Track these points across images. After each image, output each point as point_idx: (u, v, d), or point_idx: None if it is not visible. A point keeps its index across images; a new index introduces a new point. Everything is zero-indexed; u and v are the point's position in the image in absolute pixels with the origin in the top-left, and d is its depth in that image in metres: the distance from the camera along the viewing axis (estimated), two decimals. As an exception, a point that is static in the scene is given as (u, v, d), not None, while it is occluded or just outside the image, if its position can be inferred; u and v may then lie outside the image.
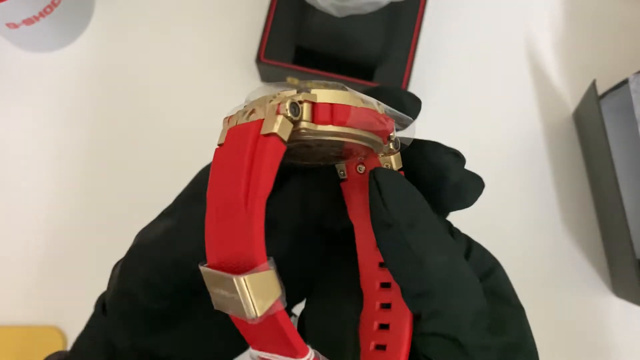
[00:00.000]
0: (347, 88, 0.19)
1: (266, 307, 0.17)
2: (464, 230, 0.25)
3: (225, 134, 0.19)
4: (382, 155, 0.22)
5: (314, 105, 0.18)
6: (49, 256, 0.48)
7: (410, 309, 0.22)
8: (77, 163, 0.50)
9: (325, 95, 0.18)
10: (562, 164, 0.50)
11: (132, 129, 0.50)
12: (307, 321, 0.23)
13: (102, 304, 0.25)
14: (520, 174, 0.49)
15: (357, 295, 0.23)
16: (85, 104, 0.51)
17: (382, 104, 0.20)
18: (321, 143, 0.19)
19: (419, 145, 0.23)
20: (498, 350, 0.22)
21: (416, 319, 0.22)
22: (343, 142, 0.19)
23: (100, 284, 0.27)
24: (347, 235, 0.24)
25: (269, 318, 0.17)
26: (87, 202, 0.49)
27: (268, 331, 0.18)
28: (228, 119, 0.19)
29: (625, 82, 0.43)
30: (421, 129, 0.54)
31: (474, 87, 0.51)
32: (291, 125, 0.18)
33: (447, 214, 0.25)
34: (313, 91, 0.18)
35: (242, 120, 0.18)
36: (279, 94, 0.18)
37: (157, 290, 0.23)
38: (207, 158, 0.23)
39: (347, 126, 0.18)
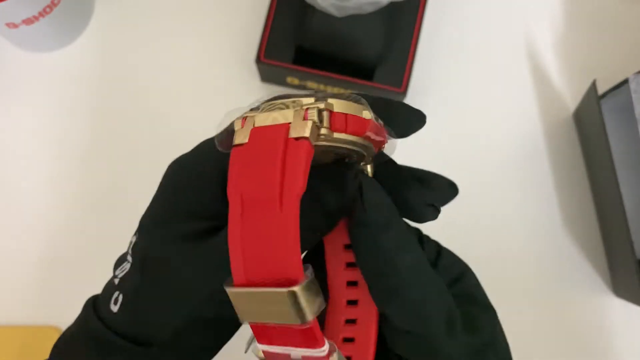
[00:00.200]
0: (361, 99, 0.20)
1: (315, 311, 0.18)
2: (463, 228, 0.26)
3: (248, 134, 0.19)
4: (363, 164, 0.23)
5: (331, 113, 0.19)
6: (48, 256, 0.48)
7: (377, 304, 0.23)
8: (76, 163, 0.50)
9: (341, 105, 0.19)
10: (562, 164, 0.50)
11: (132, 129, 0.50)
12: None
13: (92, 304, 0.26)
14: (520, 174, 0.49)
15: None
16: (85, 104, 0.51)
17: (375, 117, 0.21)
18: (328, 149, 0.20)
19: (400, 180, 0.25)
20: (469, 348, 0.23)
21: (384, 316, 0.24)
22: (349, 149, 0.20)
23: (100, 284, 0.27)
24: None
25: None
26: (87, 202, 0.49)
27: (292, 327, 0.19)
28: (243, 120, 0.20)
29: (625, 82, 0.43)
30: (421, 130, 0.54)
31: (474, 87, 0.51)
32: (317, 131, 0.19)
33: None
34: (330, 100, 0.19)
35: (263, 123, 0.19)
36: (298, 99, 0.19)
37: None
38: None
39: (358, 135, 0.20)
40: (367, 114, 0.20)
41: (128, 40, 0.52)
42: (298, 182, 0.18)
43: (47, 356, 0.26)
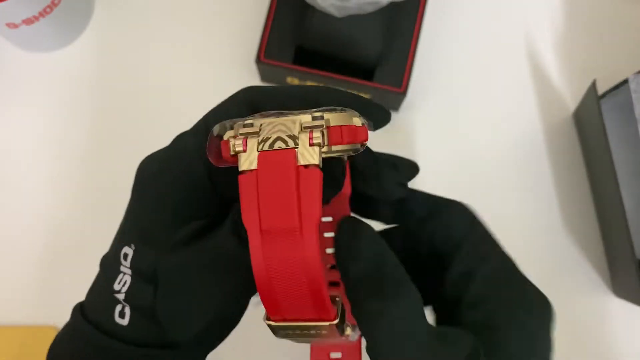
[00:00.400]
0: (345, 109, 0.21)
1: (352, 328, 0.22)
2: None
3: (255, 160, 0.20)
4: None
5: (328, 129, 0.20)
6: (49, 256, 0.48)
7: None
8: (77, 163, 0.50)
9: (335, 119, 0.20)
10: (562, 164, 0.50)
11: (132, 129, 0.50)
12: None
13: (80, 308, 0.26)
14: (520, 174, 0.49)
15: None
16: (85, 104, 0.51)
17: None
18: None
19: (377, 166, 0.25)
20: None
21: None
22: (341, 155, 0.21)
23: (100, 284, 0.27)
24: None
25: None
26: (87, 202, 0.49)
27: (307, 302, 0.20)
28: (244, 140, 0.20)
29: (625, 82, 0.43)
30: (421, 129, 0.55)
31: (474, 87, 0.51)
32: (321, 153, 0.20)
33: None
34: (326, 116, 0.20)
35: (267, 147, 0.20)
36: (295, 118, 0.20)
37: None
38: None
39: (352, 144, 0.20)
40: (357, 121, 0.20)
41: (128, 40, 0.52)
42: (316, 211, 0.19)
43: (47, 357, 0.26)
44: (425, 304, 0.24)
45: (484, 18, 0.52)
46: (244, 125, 0.20)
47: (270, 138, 0.20)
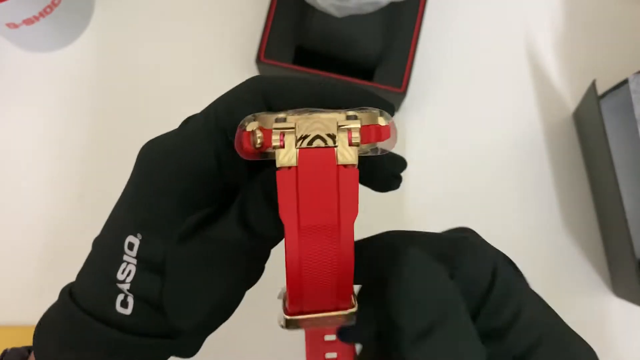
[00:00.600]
0: (374, 111, 0.21)
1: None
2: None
3: (294, 157, 0.20)
4: None
5: (361, 130, 0.21)
6: (48, 256, 0.48)
7: None
8: (77, 163, 0.50)
9: (366, 118, 0.21)
10: (562, 164, 0.50)
11: (132, 129, 0.50)
12: None
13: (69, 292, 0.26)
14: (520, 174, 0.49)
15: None
16: (85, 104, 0.51)
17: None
18: None
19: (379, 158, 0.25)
20: None
21: None
22: (367, 153, 0.22)
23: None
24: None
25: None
26: (87, 201, 0.49)
27: (332, 294, 0.21)
28: (281, 135, 0.20)
29: (625, 82, 0.43)
30: (421, 129, 0.55)
31: (474, 87, 0.51)
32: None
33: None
34: (359, 116, 0.21)
35: (306, 145, 0.20)
36: (331, 117, 0.21)
37: None
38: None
39: (379, 141, 0.21)
40: (382, 120, 0.21)
41: (128, 40, 0.52)
42: (354, 210, 0.20)
43: (34, 343, 0.26)
44: None
45: (484, 18, 0.52)
46: (277, 120, 0.21)
47: (309, 136, 0.20)
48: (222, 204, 0.24)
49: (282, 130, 0.20)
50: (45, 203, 0.49)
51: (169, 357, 0.26)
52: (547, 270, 0.48)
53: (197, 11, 0.52)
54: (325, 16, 0.44)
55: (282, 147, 0.20)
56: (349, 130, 0.20)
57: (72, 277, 0.45)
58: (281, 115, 0.21)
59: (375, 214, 0.41)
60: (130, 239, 0.24)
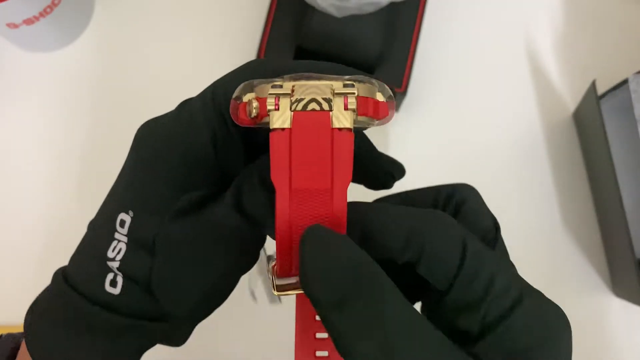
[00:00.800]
0: (373, 82, 0.21)
1: None
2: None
3: (288, 119, 0.20)
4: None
5: (358, 99, 0.20)
6: (48, 256, 0.48)
7: None
8: (76, 163, 0.50)
9: (364, 90, 0.20)
10: (562, 164, 0.50)
11: (131, 129, 0.50)
12: None
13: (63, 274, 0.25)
14: (520, 174, 0.49)
15: None
16: (85, 103, 0.51)
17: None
18: None
19: (375, 156, 0.25)
20: None
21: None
22: (362, 126, 0.21)
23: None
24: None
25: None
26: (86, 202, 0.49)
27: None
28: (276, 99, 0.20)
29: (625, 82, 0.43)
30: (421, 129, 0.54)
31: (474, 88, 0.51)
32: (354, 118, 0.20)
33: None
34: (357, 85, 0.20)
35: (301, 107, 0.20)
36: (327, 82, 0.20)
37: None
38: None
39: (376, 118, 0.21)
40: (380, 96, 0.21)
41: (128, 40, 0.52)
42: (348, 174, 0.20)
43: (25, 322, 0.25)
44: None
45: (484, 18, 0.52)
46: (273, 86, 0.21)
47: (304, 99, 0.20)
48: (218, 190, 0.24)
49: (277, 95, 0.20)
50: (45, 203, 0.49)
51: (156, 342, 0.25)
52: (547, 270, 0.48)
53: (197, 11, 0.52)
54: (325, 16, 0.44)
55: (277, 110, 0.20)
56: (345, 95, 0.20)
57: (72, 277, 0.44)
58: (277, 82, 0.21)
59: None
60: (122, 216, 0.24)
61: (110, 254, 0.24)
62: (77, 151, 0.50)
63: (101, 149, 0.50)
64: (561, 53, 0.51)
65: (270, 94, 0.20)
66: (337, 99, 0.20)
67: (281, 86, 0.20)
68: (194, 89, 0.56)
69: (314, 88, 0.20)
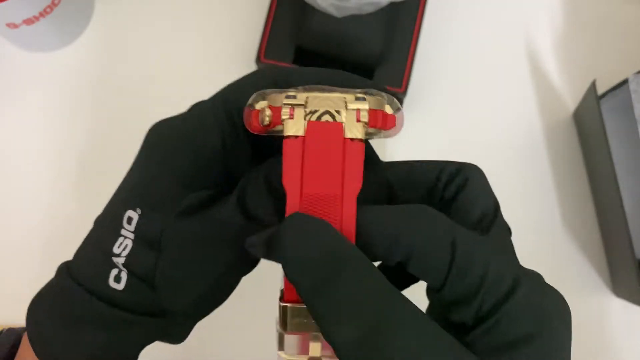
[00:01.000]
0: (383, 95, 0.22)
1: None
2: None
3: (302, 128, 0.21)
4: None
5: (369, 112, 0.21)
6: (48, 256, 0.48)
7: None
8: (76, 163, 0.50)
9: (374, 102, 0.21)
10: (562, 164, 0.50)
11: (132, 129, 0.50)
12: None
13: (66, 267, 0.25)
14: (520, 174, 0.49)
15: None
16: (85, 104, 0.51)
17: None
18: None
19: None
20: None
21: None
22: (371, 137, 0.22)
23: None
24: None
25: None
26: (86, 202, 0.49)
27: None
28: (291, 109, 0.21)
29: (625, 82, 0.43)
30: (421, 129, 0.55)
31: (474, 88, 0.51)
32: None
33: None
34: (368, 98, 0.21)
35: (316, 118, 0.21)
36: (341, 95, 0.21)
37: None
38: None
39: (384, 129, 0.22)
40: (389, 108, 0.22)
41: (128, 40, 0.52)
42: (357, 183, 0.21)
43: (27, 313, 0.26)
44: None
45: (484, 18, 0.52)
46: (287, 97, 0.21)
47: (318, 110, 0.21)
48: (224, 191, 0.24)
49: (291, 105, 0.21)
50: (45, 203, 0.49)
51: (157, 338, 0.25)
52: (547, 270, 0.48)
53: (197, 11, 0.52)
54: (325, 16, 0.44)
55: (292, 118, 0.21)
56: (357, 110, 0.21)
57: (72, 277, 0.44)
58: (291, 92, 0.22)
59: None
60: (130, 213, 0.24)
61: (116, 250, 0.24)
62: (77, 151, 0.50)
63: (101, 149, 0.50)
64: (561, 53, 0.51)
65: (284, 104, 0.21)
66: (350, 112, 0.21)
67: (295, 97, 0.21)
68: (194, 89, 0.56)
69: (328, 100, 0.21)
